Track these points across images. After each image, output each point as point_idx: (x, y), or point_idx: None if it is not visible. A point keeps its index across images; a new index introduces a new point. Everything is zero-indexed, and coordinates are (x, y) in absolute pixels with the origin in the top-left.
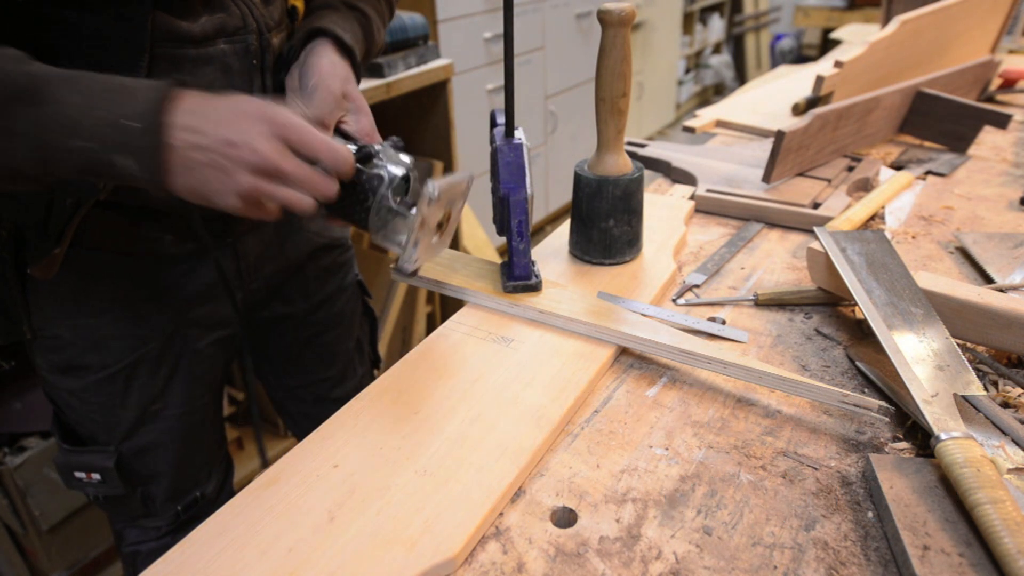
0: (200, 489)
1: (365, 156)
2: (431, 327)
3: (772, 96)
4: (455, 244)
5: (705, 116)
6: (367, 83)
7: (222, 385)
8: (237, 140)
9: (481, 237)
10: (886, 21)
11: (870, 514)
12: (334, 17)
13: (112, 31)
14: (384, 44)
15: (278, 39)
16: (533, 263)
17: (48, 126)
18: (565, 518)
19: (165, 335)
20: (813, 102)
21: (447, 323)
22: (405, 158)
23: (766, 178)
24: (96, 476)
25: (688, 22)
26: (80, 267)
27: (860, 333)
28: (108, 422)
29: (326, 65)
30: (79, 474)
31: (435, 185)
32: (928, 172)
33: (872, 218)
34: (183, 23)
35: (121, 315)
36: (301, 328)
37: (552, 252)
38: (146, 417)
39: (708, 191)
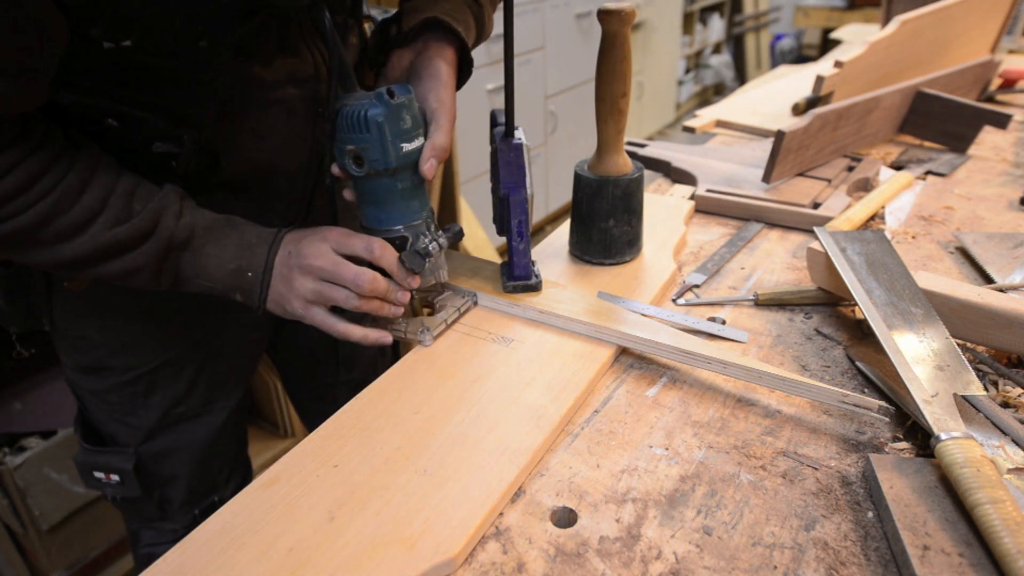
0: (218, 493)
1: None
2: None
3: (772, 96)
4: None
5: (705, 116)
6: None
7: (246, 390)
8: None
9: (481, 237)
10: (886, 21)
11: (870, 514)
12: (447, 6)
13: (189, 72)
14: (491, 31)
15: None
16: (533, 263)
17: (188, 268)
18: (565, 518)
19: (192, 340)
20: (813, 102)
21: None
22: (458, 297)
23: (766, 178)
24: (115, 477)
25: (688, 22)
26: None
27: (860, 333)
28: (129, 423)
29: (445, 75)
30: (98, 474)
31: (431, 337)
32: (928, 172)
33: (872, 218)
34: (257, 67)
35: (149, 319)
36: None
37: (552, 252)
38: (167, 420)
39: (708, 191)
